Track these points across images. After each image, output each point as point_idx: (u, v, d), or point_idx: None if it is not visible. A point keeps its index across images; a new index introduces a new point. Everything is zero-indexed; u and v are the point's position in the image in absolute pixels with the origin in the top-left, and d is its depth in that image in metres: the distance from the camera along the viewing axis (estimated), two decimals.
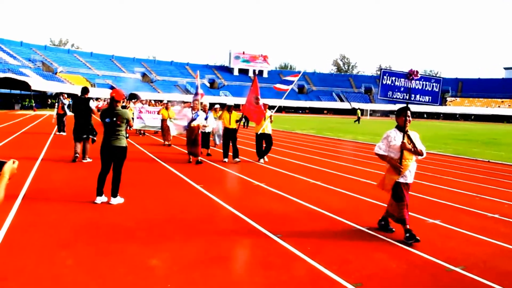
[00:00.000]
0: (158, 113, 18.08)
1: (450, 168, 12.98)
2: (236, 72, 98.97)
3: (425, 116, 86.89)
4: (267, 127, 12.55)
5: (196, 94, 12.78)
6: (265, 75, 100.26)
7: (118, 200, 6.96)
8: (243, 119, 18.46)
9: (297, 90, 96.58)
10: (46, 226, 5.58)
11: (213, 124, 13.65)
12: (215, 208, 6.95)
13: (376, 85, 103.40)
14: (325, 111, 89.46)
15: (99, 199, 6.90)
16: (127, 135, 7.06)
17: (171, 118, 15.83)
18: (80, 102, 11.10)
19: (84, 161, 10.92)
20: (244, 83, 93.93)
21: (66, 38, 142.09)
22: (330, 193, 8.52)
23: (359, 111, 57.15)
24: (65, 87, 59.97)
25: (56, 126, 19.74)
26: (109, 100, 7.65)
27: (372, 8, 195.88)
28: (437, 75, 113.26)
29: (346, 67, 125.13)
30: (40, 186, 7.94)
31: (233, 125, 12.42)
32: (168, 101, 19.63)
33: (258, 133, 12.53)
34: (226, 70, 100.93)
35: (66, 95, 19.79)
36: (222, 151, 12.90)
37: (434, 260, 4.90)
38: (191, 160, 12.06)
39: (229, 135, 12.51)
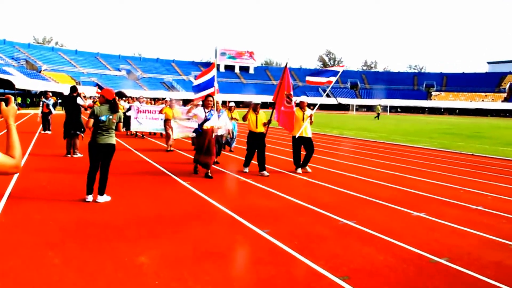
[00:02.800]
0: (161, 112, 15.20)
1: (435, 162, 13.14)
2: (222, 69, 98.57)
3: (411, 110, 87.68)
4: (306, 129, 10.45)
5: (208, 88, 10.10)
6: (251, 71, 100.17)
7: (105, 198, 6.95)
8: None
9: None
10: (33, 225, 5.55)
11: (227, 124, 11.26)
12: (203, 205, 6.97)
13: (362, 80, 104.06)
14: (311, 107, 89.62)
15: (90, 197, 6.87)
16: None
17: (176, 118, 13.44)
18: (68, 100, 11.72)
19: (74, 156, 11.26)
20: (230, 80, 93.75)
21: (50, 36, 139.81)
22: (317, 188, 8.58)
23: (378, 107, 53.12)
24: (50, 85, 59.17)
25: (41, 125, 19.54)
26: (95, 98, 7.80)
27: (358, 3, 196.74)
28: (422, 70, 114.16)
29: (332, 63, 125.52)
30: (25, 185, 7.87)
31: (260, 129, 10.04)
32: (170, 99, 16.37)
33: (296, 136, 10.44)
34: None
35: (51, 94, 19.44)
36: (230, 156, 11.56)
37: (419, 252, 4.99)
38: (197, 171, 9.81)
39: (256, 141, 10.04)
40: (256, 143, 10.05)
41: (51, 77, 67.22)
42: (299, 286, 4.00)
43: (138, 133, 19.02)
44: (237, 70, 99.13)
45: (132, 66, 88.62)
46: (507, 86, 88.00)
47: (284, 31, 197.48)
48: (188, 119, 11.91)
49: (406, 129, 30.65)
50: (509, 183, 9.83)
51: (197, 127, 9.52)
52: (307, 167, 10.59)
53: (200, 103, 9.95)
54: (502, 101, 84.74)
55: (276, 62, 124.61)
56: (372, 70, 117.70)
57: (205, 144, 9.29)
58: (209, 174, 9.29)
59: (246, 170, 10.24)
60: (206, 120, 9.39)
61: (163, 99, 24.98)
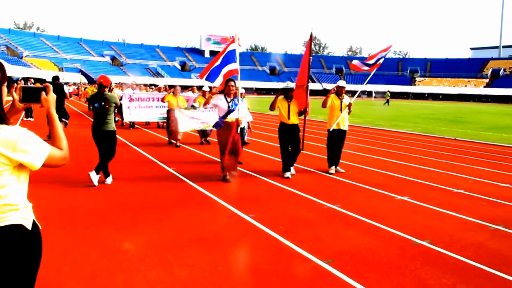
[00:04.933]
0: (163, 100, 12.58)
1: (418, 146, 13.29)
2: (207, 54, 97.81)
3: (396, 96, 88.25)
4: (343, 121, 8.71)
5: (229, 74, 7.85)
6: None
7: (110, 179, 7.26)
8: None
9: (268, 71, 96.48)
10: None
11: (248, 115, 9.62)
12: (189, 191, 6.97)
13: (347, 66, 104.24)
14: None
15: (109, 179, 7.24)
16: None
17: (180, 107, 11.09)
18: (55, 88, 11.77)
19: None
20: None
21: (31, 21, 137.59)
22: (301, 173, 8.62)
23: (388, 93, 52.82)
24: (32, 71, 58.18)
25: (23, 112, 19.25)
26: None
27: None
28: (407, 55, 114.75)
29: (317, 48, 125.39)
30: None
31: (294, 120, 8.16)
32: (168, 85, 14.85)
33: (331, 129, 8.68)
34: (197, 52, 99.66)
35: (33, 80, 19.10)
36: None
37: (402, 235, 5.07)
38: (228, 177, 7.69)
39: (289, 134, 8.16)
40: (289, 137, 8.19)
41: (33, 63, 66.02)
42: (283, 269, 4.04)
43: (135, 124, 16.89)
44: None
45: (116, 52, 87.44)
46: (489, 71, 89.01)
47: (269, 17, 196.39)
48: (195, 108, 10.44)
49: (390, 114, 30.88)
50: (490, 166, 10.00)
51: (219, 120, 7.72)
52: (338, 167, 8.86)
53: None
54: (484, 87, 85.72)
55: (262, 48, 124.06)
56: (357, 56, 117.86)
57: (228, 140, 7.61)
58: (227, 177, 7.65)
59: (288, 175, 8.12)
60: (229, 111, 7.63)
61: (154, 85, 23.35)
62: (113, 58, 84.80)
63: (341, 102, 8.67)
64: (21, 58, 66.86)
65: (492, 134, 17.76)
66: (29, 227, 2.05)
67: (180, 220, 5.45)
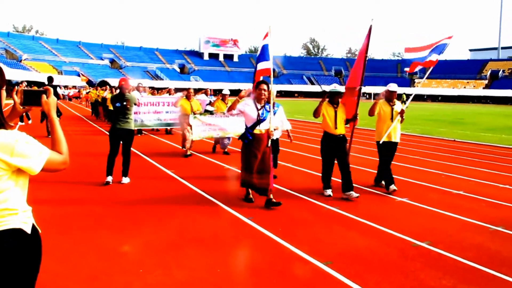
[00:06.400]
0: (175, 105, 11.37)
1: (417, 148, 13.29)
2: (206, 57, 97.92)
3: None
4: (394, 131, 7.46)
5: (261, 74, 6.71)
6: (235, 59, 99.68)
7: (127, 180, 7.55)
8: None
9: None
10: None
11: (284, 123, 8.21)
12: (186, 192, 6.95)
13: (346, 68, 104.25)
14: (296, 94, 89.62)
15: (110, 178, 7.38)
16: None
17: (195, 113, 10.28)
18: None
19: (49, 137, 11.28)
20: (215, 68, 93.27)
21: (30, 24, 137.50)
22: (298, 174, 8.61)
23: (404, 96, 47.56)
24: (31, 75, 58.15)
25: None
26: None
27: None
28: (403, 57, 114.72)
29: (316, 50, 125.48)
30: None
31: (341, 129, 6.94)
32: (174, 89, 13.27)
33: (381, 141, 7.42)
34: (196, 55, 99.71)
35: (25, 84, 19.01)
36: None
37: (401, 236, 5.06)
38: (251, 198, 6.51)
39: (335, 147, 6.94)
40: (335, 150, 6.94)
41: (32, 66, 66.00)
42: (282, 271, 4.03)
43: (143, 131, 15.53)
44: (221, 58, 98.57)
45: (115, 54, 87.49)
46: (488, 73, 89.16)
47: (268, 19, 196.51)
48: (212, 113, 9.50)
49: None
50: (490, 168, 9.99)
51: (246, 131, 6.35)
52: (393, 185, 7.28)
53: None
54: (484, 88, 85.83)
55: None
56: (356, 58, 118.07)
57: (256, 156, 6.21)
58: (273, 200, 6.16)
59: (329, 192, 6.96)
60: (260, 121, 6.26)
61: (158, 88, 21.65)
62: (112, 61, 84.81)
63: (392, 109, 7.42)
64: (20, 61, 66.84)
65: (491, 135, 17.76)
66: (29, 231, 2.04)
67: (179, 222, 5.44)
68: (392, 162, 7.51)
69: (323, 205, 6.35)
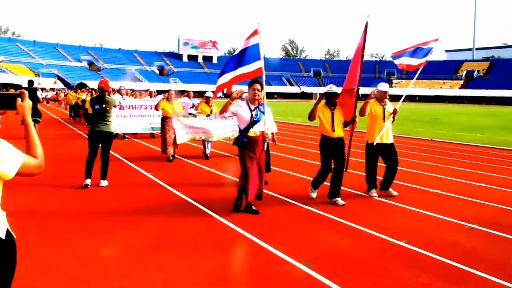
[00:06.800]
0: (156, 108, 10.42)
1: (396, 148, 13.41)
2: (185, 59, 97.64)
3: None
4: (387, 133, 7.43)
5: (253, 73, 6.28)
6: (214, 60, 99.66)
7: (105, 183, 7.43)
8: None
9: None
10: None
11: (272, 125, 8.11)
12: (166, 195, 6.91)
13: (325, 69, 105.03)
14: (275, 96, 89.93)
15: (88, 181, 7.28)
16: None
17: (177, 115, 10.00)
18: (29, 92, 13.09)
19: None
20: (194, 69, 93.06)
21: (6, 26, 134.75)
22: (278, 176, 8.64)
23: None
24: (7, 77, 57.15)
25: None
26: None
27: None
28: (383, 58, 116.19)
29: (295, 52, 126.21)
30: None
31: (339, 132, 6.74)
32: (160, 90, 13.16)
33: (374, 143, 7.31)
34: (175, 56, 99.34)
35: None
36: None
37: (379, 235, 5.11)
38: (240, 206, 6.12)
39: (334, 150, 6.68)
40: (332, 153, 6.67)
41: (9, 68, 64.81)
42: (262, 272, 4.04)
43: (126, 135, 14.63)
44: (200, 59, 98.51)
45: (94, 56, 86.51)
46: (464, 73, 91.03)
47: (247, 21, 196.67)
48: (195, 116, 9.24)
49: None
50: (465, 166, 10.19)
51: (240, 134, 6.06)
52: (390, 189, 7.21)
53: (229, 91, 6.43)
54: (459, 88, 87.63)
55: None
56: (334, 59, 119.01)
57: (252, 159, 5.98)
58: (253, 207, 6.00)
59: (314, 195, 6.87)
60: (253, 122, 5.99)
61: (145, 90, 20.65)
62: (90, 63, 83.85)
63: (384, 109, 7.35)
64: None
65: (467, 134, 18.13)
66: (3, 236, 2.01)
67: (158, 225, 5.40)
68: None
69: (303, 206, 6.38)
